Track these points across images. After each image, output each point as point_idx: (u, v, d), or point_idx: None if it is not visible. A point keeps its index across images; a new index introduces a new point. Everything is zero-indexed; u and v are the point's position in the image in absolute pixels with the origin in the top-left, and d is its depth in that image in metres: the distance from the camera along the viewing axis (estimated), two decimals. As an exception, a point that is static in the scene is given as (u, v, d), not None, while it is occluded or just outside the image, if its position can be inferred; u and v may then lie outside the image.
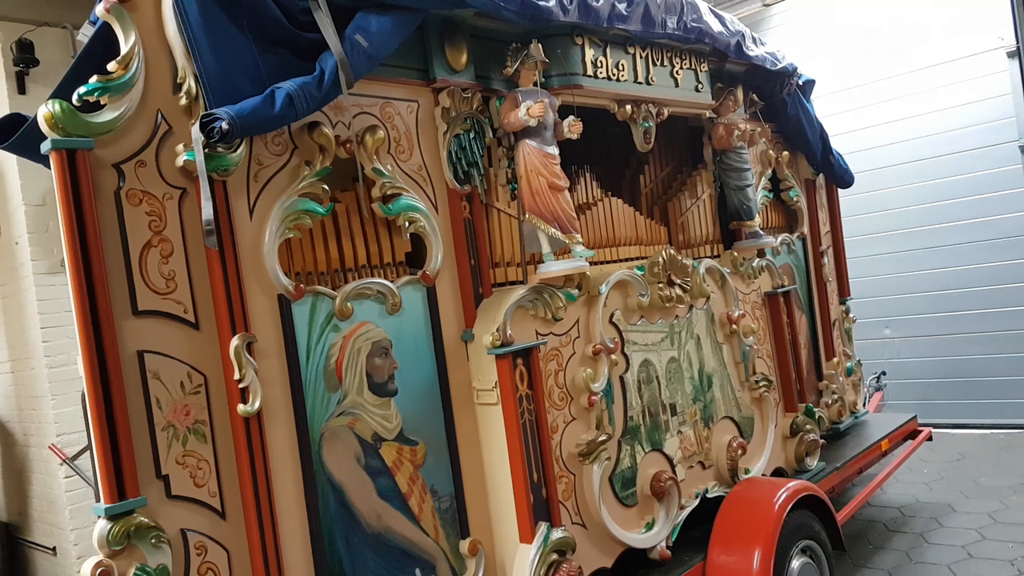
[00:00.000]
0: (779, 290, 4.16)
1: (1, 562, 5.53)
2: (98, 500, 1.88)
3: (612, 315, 3.12)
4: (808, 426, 4.06)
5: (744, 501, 3.32)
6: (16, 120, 2.44)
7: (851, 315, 5.21)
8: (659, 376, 3.30)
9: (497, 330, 2.59)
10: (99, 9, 2.00)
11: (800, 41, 7.36)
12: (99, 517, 1.85)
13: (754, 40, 4.03)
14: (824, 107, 5.38)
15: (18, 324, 5.14)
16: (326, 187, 2.30)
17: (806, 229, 4.81)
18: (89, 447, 1.91)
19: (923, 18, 7.12)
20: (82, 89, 1.92)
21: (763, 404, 3.88)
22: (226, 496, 2.07)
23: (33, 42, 4.81)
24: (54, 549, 5.10)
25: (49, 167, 1.87)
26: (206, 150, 1.99)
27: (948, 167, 7.03)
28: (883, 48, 7.35)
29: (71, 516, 4.86)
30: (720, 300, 3.72)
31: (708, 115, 3.83)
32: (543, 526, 2.62)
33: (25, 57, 4.76)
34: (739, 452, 3.57)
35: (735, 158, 3.90)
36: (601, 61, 3.08)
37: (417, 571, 2.44)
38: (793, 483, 3.39)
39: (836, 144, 4.97)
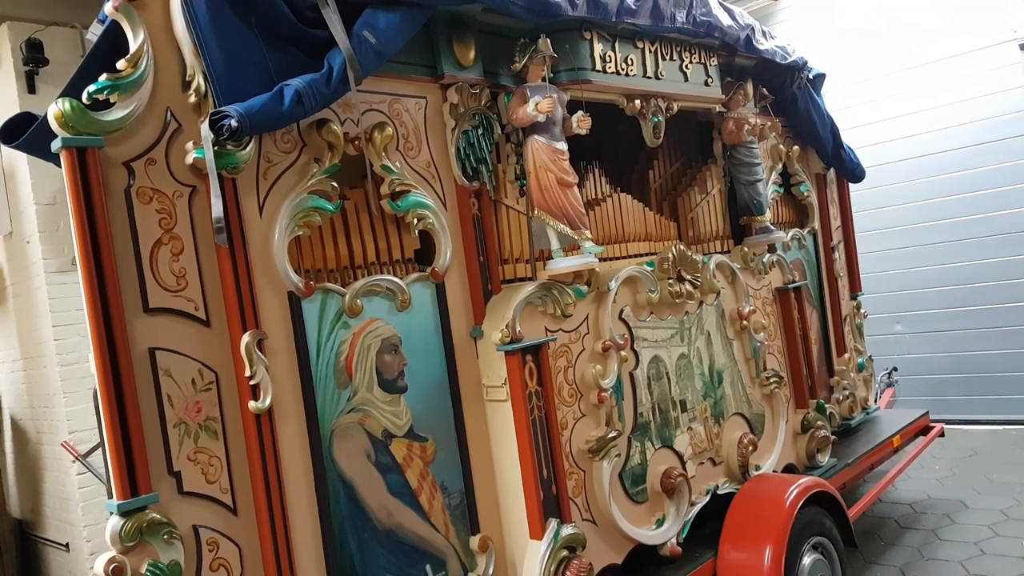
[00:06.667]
0: (790, 286, 4.13)
1: (15, 559, 5.57)
2: (110, 497, 1.89)
3: (622, 311, 3.11)
4: (819, 422, 4.04)
5: (755, 498, 3.31)
6: (26, 119, 2.45)
7: (862, 311, 5.19)
8: (669, 372, 3.29)
9: (506, 327, 2.59)
10: (108, 8, 2.00)
11: (809, 35, 7.30)
12: (111, 513, 1.86)
13: (764, 34, 4.01)
14: (834, 101, 5.32)
15: (30, 323, 5.17)
16: (335, 184, 2.30)
17: (817, 224, 4.78)
18: (101, 444, 1.92)
19: (934, 11, 7.05)
20: (91, 87, 1.92)
21: (774, 400, 3.86)
22: (238, 492, 2.08)
23: (43, 42, 4.83)
24: (67, 545, 5.13)
25: (59, 166, 1.88)
26: (215, 148, 2.00)
27: (959, 161, 6.97)
28: (893, 42, 7.28)
29: (84, 513, 4.89)
30: (730, 296, 3.71)
31: (718, 110, 3.81)
32: (553, 522, 2.62)
33: (35, 57, 4.79)
34: (750, 448, 3.55)
35: (745, 153, 3.88)
36: (610, 56, 3.07)
37: (427, 567, 2.45)
38: (804, 480, 3.38)
39: (847, 139, 4.94)
